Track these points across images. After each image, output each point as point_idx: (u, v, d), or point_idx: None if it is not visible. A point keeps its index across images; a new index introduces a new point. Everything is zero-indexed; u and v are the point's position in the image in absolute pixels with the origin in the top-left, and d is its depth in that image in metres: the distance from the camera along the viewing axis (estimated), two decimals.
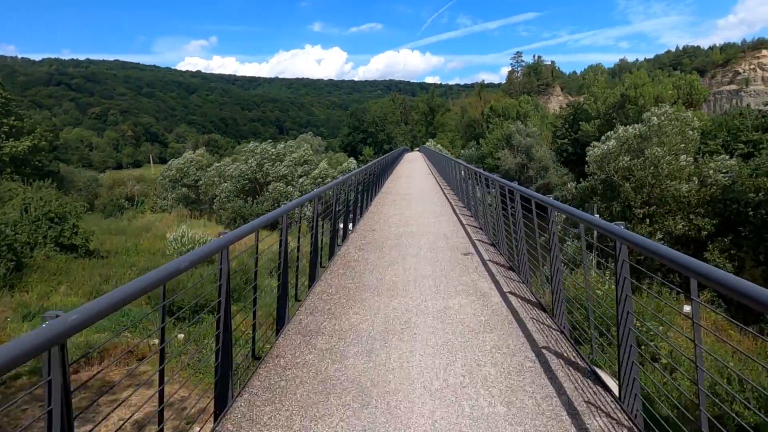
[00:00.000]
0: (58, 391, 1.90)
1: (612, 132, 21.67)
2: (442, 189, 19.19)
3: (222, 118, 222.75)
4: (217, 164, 40.22)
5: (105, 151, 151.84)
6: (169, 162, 43.33)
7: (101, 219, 44.80)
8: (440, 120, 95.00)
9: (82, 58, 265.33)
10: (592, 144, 21.70)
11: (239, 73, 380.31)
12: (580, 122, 45.22)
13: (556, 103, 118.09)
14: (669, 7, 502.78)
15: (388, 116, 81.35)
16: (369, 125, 79.32)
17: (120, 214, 45.28)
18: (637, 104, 39.50)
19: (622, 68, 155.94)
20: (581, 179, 48.46)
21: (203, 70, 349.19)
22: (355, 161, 36.04)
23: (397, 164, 31.42)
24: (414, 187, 20.45)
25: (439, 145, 71.68)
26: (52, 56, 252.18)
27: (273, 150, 33.57)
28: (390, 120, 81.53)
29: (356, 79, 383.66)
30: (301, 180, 31.90)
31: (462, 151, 62.79)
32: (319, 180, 31.45)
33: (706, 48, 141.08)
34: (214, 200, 36.47)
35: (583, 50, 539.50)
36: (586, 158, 22.93)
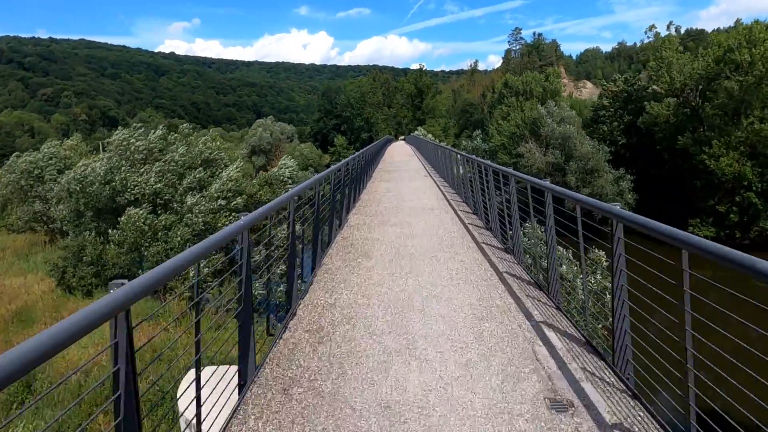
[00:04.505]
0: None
1: None
2: None
3: (194, 103, 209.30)
4: (86, 162, 24.70)
5: (49, 136, 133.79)
6: (11, 159, 27.42)
7: None
8: (430, 103, 79.60)
9: (45, 36, 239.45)
10: None
11: (221, 57, 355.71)
12: (646, 102, 30.60)
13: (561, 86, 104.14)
14: None
15: (367, 97, 65.65)
16: (344, 108, 63.84)
17: None
18: (751, 72, 25.10)
19: (620, 52, 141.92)
20: (640, 183, 33.27)
21: (186, 54, 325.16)
22: (292, 164, 21.07)
23: (367, 179, 15.94)
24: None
25: (429, 134, 57.28)
26: (14, 35, 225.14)
27: (139, 143, 18.21)
28: (370, 102, 65.87)
29: (340, 64, 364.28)
30: (190, 201, 16.81)
31: (463, 142, 48.17)
32: (222, 201, 16.63)
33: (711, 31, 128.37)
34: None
35: (567, 39, 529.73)
36: None
